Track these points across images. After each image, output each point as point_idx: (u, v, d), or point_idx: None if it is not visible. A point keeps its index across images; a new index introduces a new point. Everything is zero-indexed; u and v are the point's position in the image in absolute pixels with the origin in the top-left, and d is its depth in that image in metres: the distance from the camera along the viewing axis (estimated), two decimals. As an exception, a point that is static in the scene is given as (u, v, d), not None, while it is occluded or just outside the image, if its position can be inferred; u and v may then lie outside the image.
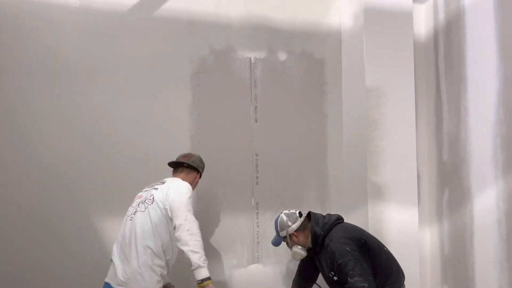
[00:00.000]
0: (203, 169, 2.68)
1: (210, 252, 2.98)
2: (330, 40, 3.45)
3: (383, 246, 2.66)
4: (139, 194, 2.46)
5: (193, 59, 3.06)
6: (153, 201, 2.31)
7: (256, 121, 3.20)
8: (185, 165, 2.56)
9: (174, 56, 3.03)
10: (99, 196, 2.85)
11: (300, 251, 2.62)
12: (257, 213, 3.18)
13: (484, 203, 3.18)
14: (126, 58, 2.95)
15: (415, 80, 3.58)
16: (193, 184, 2.58)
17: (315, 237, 2.57)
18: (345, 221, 2.81)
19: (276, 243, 2.70)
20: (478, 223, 3.24)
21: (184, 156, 2.61)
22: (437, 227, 3.67)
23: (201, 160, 2.67)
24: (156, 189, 2.36)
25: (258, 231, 3.18)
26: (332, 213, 3.35)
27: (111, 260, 2.33)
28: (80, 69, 2.88)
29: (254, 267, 3.15)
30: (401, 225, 3.29)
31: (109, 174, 2.87)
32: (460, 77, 3.41)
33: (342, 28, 3.51)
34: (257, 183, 3.19)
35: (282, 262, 3.22)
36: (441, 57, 3.65)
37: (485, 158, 3.15)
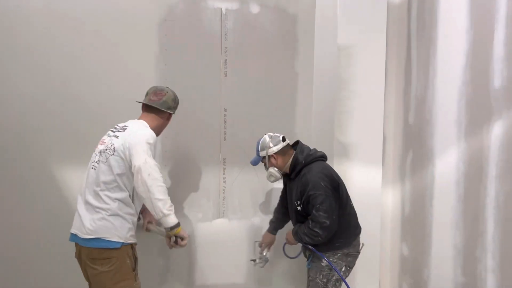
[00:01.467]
0: (175, 108, 2.50)
1: (175, 206, 2.95)
2: (304, -5, 3.37)
3: (350, 201, 2.74)
4: (102, 138, 2.31)
5: (161, 5, 2.92)
6: (114, 151, 2.16)
7: (226, 75, 3.13)
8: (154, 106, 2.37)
9: (140, 1, 2.88)
10: (62, 144, 2.75)
11: (275, 173, 2.67)
12: (224, 169, 3.16)
13: (445, 164, 3.27)
14: (90, 2, 2.78)
15: (387, 40, 3.57)
16: (161, 127, 2.45)
17: (295, 164, 2.64)
18: None
19: (254, 162, 2.74)
20: (438, 184, 3.35)
21: (155, 93, 2.36)
22: (400, 187, 3.77)
23: (174, 99, 2.46)
24: (117, 137, 2.21)
25: (224, 187, 3.17)
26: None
27: (77, 210, 2.20)
28: (45, 15, 2.70)
29: (219, 221, 3.16)
30: (364, 184, 3.36)
31: (73, 122, 2.76)
32: (430, 39, 3.42)
33: (317, -16, 3.42)
34: (224, 139, 3.16)
35: (247, 218, 3.25)
36: (414, 18, 3.64)
37: (449, 120, 3.22)
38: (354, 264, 2.63)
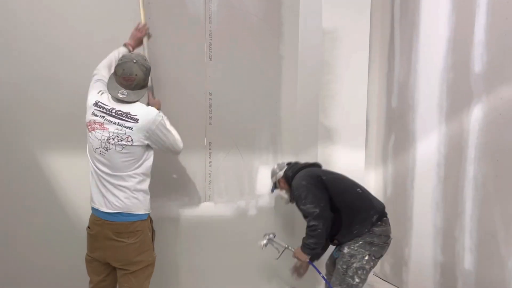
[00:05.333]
0: (148, 79, 2.39)
1: (161, 190, 2.97)
2: (289, -22, 3.35)
3: (357, 187, 2.70)
4: (98, 120, 2.19)
5: (144, -12, 2.86)
6: (132, 142, 2.16)
7: (210, 59, 3.11)
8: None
9: (124, -17, 2.82)
10: (47, 129, 2.70)
11: (283, 195, 2.88)
12: (210, 153, 3.17)
13: (426, 147, 3.35)
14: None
15: (371, 25, 3.60)
16: (149, 100, 2.51)
17: (287, 181, 2.80)
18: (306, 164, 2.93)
19: (271, 190, 3.02)
20: (419, 166, 3.43)
21: (125, 78, 2.21)
22: (382, 170, 3.85)
23: (145, 76, 2.28)
24: (131, 129, 2.15)
25: (210, 171, 3.18)
26: (284, 154, 3.43)
27: (96, 187, 2.22)
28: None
29: (205, 205, 3.18)
30: (348, 167, 3.40)
31: (56, 107, 2.70)
32: (413, 24, 3.46)
33: (301, -33, 3.41)
34: (210, 123, 3.15)
35: (233, 201, 3.27)
36: (397, 4, 3.67)
37: (431, 104, 3.28)
38: (381, 254, 2.58)
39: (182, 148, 2.44)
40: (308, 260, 2.62)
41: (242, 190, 3.32)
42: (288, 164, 2.93)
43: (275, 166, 2.97)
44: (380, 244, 2.52)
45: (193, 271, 3.18)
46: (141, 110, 2.23)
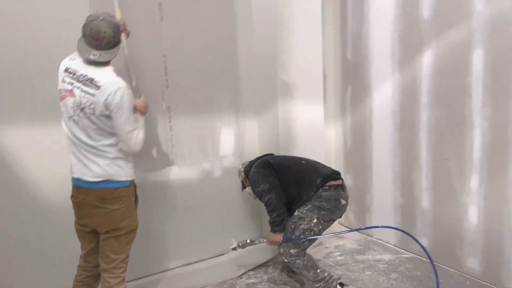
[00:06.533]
0: (119, 35, 2.28)
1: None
2: None
3: (302, 160, 2.81)
4: (67, 87, 2.11)
5: None
6: (94, 111, 2.08)
7: (162, 19, 3.00)
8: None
9: None
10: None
11: (249, 191, 2.92)
12: (169, 117, 3.12)
13: (382, 96, 3.44)
14: None
15: (322, -23, 3.57)
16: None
17: (246, 175, 2.87)
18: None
19: (241, 188, 3.04)
20: (376, 116, 3.54)
21: (93, 37, 2.11)
22: (341, 122, 3.95)
23: (114, 33, 2.17)
24: (93, 95, 2.07)
25: (171, 135, 3.14)
26: (245, 113, 3.44)
27: (75, 157, 2.18)
28: None
29: (169, 169, 3.16)
30: (308, 121, 3.46)
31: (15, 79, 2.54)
32: (364, -26, 3.47)
33: None
34: (167, 86, 3.08)
35: (197, 163, 3.26)
36: (347, -47, 3.65)
37: (384, 54, 3.35)
38: (332, 219, 2.64)
39: (136, 150, 2.28)
40: (282, 238, 2.67)
41: (205, 152, 3.31)
42: (250, 161, 3.01)
43: (241, 165, 3.05)
44: (330, 209, 2.59)
45: (163, 235, 3.18)
46: (107, 78, 2.12)
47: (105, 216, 2.19)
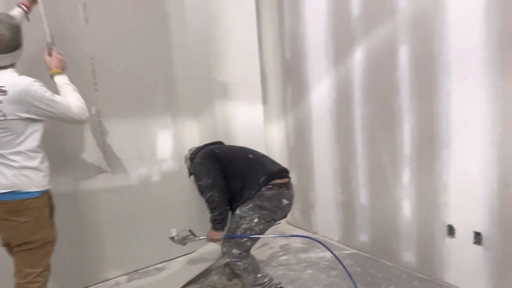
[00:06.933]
0: (22, 41, 2.16)
1: (53, 166, 2.76)
2: None
3: (249, 153, 2.71)
4: None
5: None
6: (5, 117, 1.97)
7: (87, 21, 2.89)
8: None
9: None
10: None
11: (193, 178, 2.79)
12: (100, 122, 3.01)
13: (319, 94, 3.45)
14: None
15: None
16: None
17: (191, 163, 2.76)
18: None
19: (188, 175, 2.86)
20: (315, 114, 3.55)
21: None
22: (284, 121, 3.93)
23: (14, 36, 2.06)
24: (1, 102, 1.96)
25: (103, 140, 3.03)
26: (183, 116, 3.37)
27: None
28: None
29: (103, 176, 3.05)
30: (248, 122, 3.43)
31: None
32: (296, -28, 3.47)
33: None
34: (96, 90, 2.97)
35: (133, 169, 3.17)
36: (281, -48, 3.64)
37: (320, 52, 3.36)
38: (273, 219, 2.55)
39: (86, 114, 2.24)
40: (223, 235, 2.61)
41: (141, 157, 3.22)
42: (197, 148, 2.87)
43: (187, 152, 2.89)
44: (271, 209, 2.51)
45: (100, 245, 3.07)
46: (10, 80, 2.02)
47: (14, 229, 2.07)
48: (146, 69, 3.16)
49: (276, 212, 2.55)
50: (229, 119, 3.36)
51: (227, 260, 2.60)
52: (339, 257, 2.60)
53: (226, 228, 2.59)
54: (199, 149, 2.78)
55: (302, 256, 3.33)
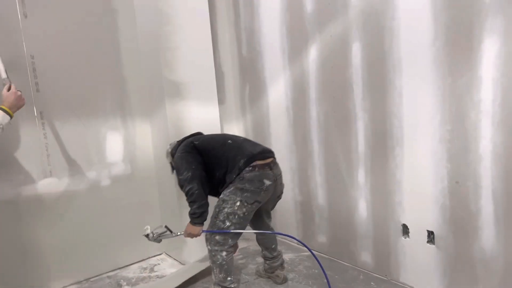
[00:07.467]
0: None
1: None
2: None
3: (228, 139, 2.63)
4: None
5: None
6: None
7: (26, 16, 2.72)
8: None
9: None
10: None
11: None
12: (43, 124, 2.84)
13: (276, 93, 3.37)
14: None
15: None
16: None
17: (172, 158, 2.66)
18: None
19: (171, 171, 2.73)
20: (273, 112, 3.46)
21: None
22: (243, 120, 3.84)
23: None
24: None
25: (47, 143, 2.86)
26: (134, 117, 3.24)
27: None
28: None
29: (47, 181, 2.88)
30: (203, 122, 3.30)
31: None
32: (250, -33, 3.37)
33: None
34: (37, 90, 2.80)
35: (80, 173, 3.01)
36: None
37: (275, 49, 3.28)
38: (256, 200, 2.46)
39: None
40: (201, 230, 2.49)
41: (89, 161, 3.06)
42: (178, 141, 2.76)
43: (168, 146, 2.78)
44: (253, 190, 2.44)
45: (45, 253, 2.90)
46: None
47: None
48: (92, 67, 3.01)
49: (259, 193, 2.47)
50: (183, 120, 3.23)
51: (208, 248, 2.49)
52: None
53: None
54: (179, 142, 2.70)
55: (261, 259, 3.23)
